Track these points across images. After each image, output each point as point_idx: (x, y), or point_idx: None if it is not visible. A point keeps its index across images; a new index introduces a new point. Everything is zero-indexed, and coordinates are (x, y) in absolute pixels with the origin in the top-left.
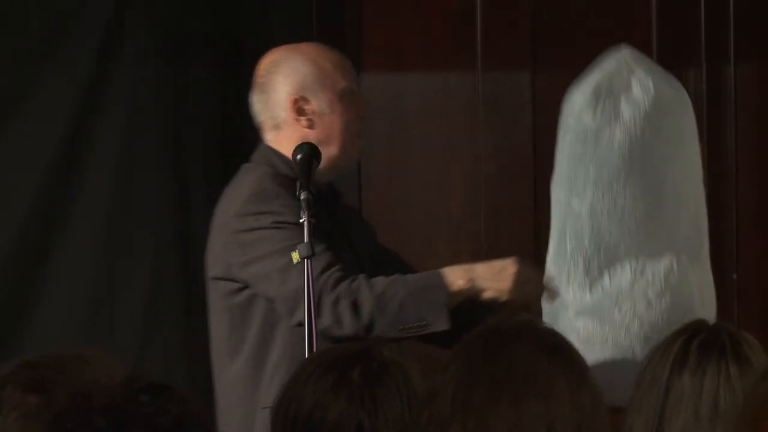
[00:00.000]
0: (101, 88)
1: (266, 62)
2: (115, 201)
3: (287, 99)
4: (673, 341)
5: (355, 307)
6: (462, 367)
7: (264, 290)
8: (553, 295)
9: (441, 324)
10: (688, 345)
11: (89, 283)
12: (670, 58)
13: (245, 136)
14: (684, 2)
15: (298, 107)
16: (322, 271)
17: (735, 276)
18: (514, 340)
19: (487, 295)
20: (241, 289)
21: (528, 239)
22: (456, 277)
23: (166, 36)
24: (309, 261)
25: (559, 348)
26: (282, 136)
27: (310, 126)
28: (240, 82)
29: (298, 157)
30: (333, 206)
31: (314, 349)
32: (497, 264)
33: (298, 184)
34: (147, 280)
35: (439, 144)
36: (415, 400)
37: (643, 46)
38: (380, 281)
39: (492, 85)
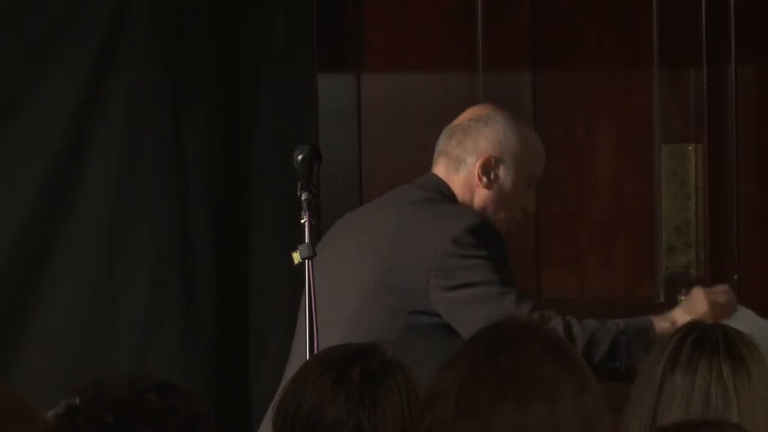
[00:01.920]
0: (101, 88)
1: (482, 111)
2: (115, 201)
3: (483, 153)
4: (669, 340)
5: (570, 333)
6: (465, 369)
7: (467, 314)
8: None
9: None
10: (682, 343)
11: (89, 283)
12: (671, 58)
13: (245, 137)
14: (685, 3)
15: (487, 166)
16: (533, 309)
17: (736, 277)
18: (518, 342)
19: None
20: (419, 312)
21: (528, 239)
22: (660, 321)
23: (167, 37)
24: (310, 261)
25: (562, 351)
26: (456, 177)
27: (486, 187)
28: (240, 83)
29: (299, 157)
30: None
31: (315, 351)
32: (690, 300)
33: (299, 184)
34: (147, 280)
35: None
36: (416, 399)
37: (643, 46)
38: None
39: (492, 86)
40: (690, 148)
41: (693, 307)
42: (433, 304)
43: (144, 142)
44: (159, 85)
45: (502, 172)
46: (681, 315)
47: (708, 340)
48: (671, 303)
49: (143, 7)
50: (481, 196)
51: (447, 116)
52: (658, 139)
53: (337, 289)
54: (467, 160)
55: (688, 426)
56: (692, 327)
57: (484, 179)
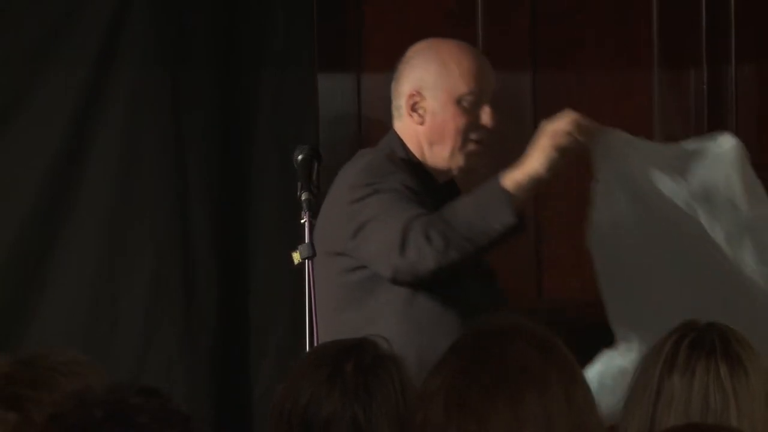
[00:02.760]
0: (101, 88)
1: (408, 52)
2: (115, 201)
3: (407, 92)
4: (664, 342)
5: (428, 237)
6: (454, 368)
7: (369, 249)
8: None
9: (507, 218)
10: (678, 346)
11: (89, 283)
12: (671, 58)
13: (245, 137)
14: (685, 3)
15: (413, 102)
16: (409, 219)
17: None
18: (505, 338)
19: (545, 165)
20: (356, 268)
21: (530, 241)
22: (510, 175)
23: (167, 37)
24: (310, 262)
25: (550, 345)
26: (400, 126)
27: (421, 123)
28: (240, 83)
29: (299, 157)
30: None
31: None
32: (536, 141)
33: (299, 184)
34: (147, 280)
35: None
36: (410, 391)
37: (643, 46)
38: (445, 207)
39: None
40: None
41: (539, 146)
42: (351, 253)
43: (144, 142)
44: (159, 85)
45: (428, 102)
46: (531, 160)
47: (704, 342)
48: None
49: (143, 7)
50: (423, 134)
51: None
52: (658, 139)
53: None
54: (400, 104)
55: (690, 429)
56: (688, 328)
57: (416, 116)
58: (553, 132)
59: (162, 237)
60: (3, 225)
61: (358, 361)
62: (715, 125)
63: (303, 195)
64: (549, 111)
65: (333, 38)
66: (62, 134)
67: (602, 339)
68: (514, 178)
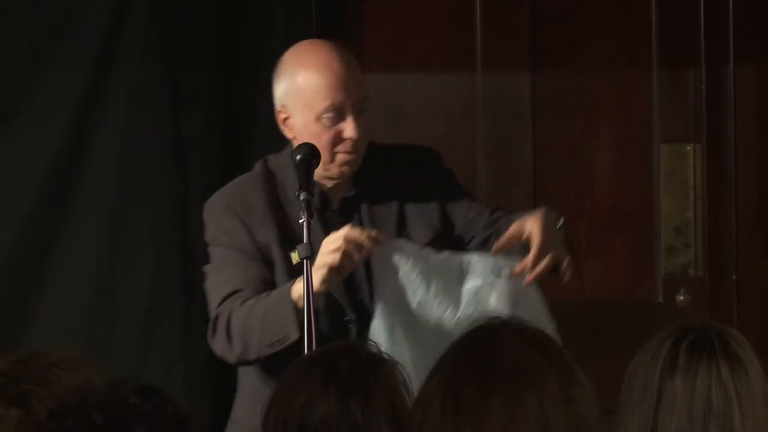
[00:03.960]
0: (101, 88)
1: (282, 58)
2: (115, 202)
3: (277, 108)
4: (662, 345)
5: (229, 336)
6: (450, 369)
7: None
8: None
9: (292, 334)
10: (677, 347)
11: (89, 283)
12: (670, 58)
13: (245, 137)
14: (684, 3)
15: (283, 118)
16: (221, 300)
17: (734, 277)
18: (499, 337)
19: (320, 282)
20: None
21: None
22: (296, 286)
23: (166, 37)
24: (308, 261)
25: (544, 343)
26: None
27: (293, 137)
28: (240, 83)
29: (297, 157)
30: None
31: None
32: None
33: (298, 184)
34: (147, 281)
35: (438, 145)
36: (406, 390)
37: (642, 46)
38: (246, 306)
39: (491, 86)
40: (689, 148)
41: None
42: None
43: (144, 142)
44: (159, 85)
45: (293, 119)
46: (315, 270)
47: (704, 342)
48: (670, 303)
49: (143, 7)
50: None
51: (447, 116)
52: (657, 139)
53: None
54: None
55: None
56: (685, 329)
57: (287, 131)
58: (326, 252)
59: (162, 237)
60: (3, 225)
61: (352, 360)
62: (714, 125)
63: (301, 195)
64: (548, 111)
65: (332, 38)
66: (62, 134)
67: (601, 339)
68: (299, 291)
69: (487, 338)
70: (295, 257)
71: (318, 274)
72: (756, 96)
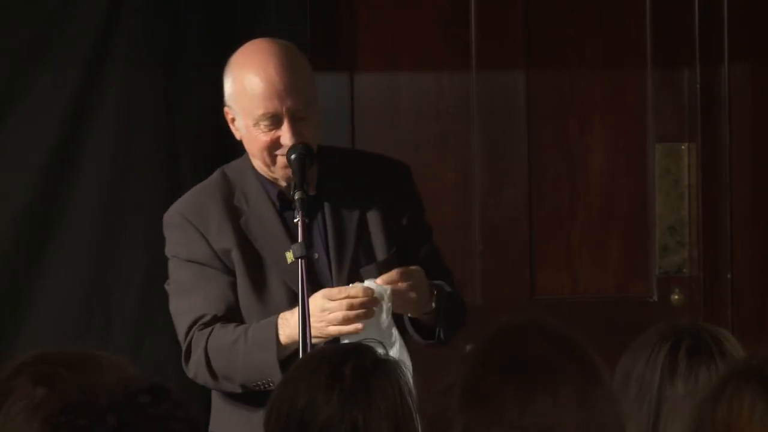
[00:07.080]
0: (95, 88)
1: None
2: (109, 201)
3: (225, 107)
4: (658, 349)
5: (210, 368)
6: (470, 363)
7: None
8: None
9: (275, 377)
10: (676, 353)
11: (84, 283)
12: (664, 58)
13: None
14: (677, 2)
15: (230, 119)
16: (189, 328)
17: (729, 275)
18: (520, 334)
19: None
20: None
21: (523, 239)
22: (284, 332)
23: (160, 36)
24: (303, 261)
25: (570, 343)
26: None
27: (240, 137)
28: None
29: (292, 157)
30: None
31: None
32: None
33: (292, 184)
34: (141, 279)
35: (432, 144)
36: (409, 395)
37: (636, 46)
38: (226, 341)
39: (485, 85)
40: (683, 147)
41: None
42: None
43: (137, 140)
44: (153, 85)
45: (237, 121)
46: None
47: (701, 346)
48: (664, 302)
49: (136, 7)
50: (245, 146)
51: (440, 116)
52: (651, 138)
53: None
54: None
55: None
56: (678, 333)
57: (235, 133)
58: (317, 318)
59: (155, 236)
60: None
61: (356, 364)
62: (708, 124)
63: (296, 194)
64: (542, 110)
65: (326, 38)
66: (55, 133)
67: (595, 337)
68: (288, 336)
69: (510, 335)
70: (289, 256)
71: (314, 331)
72: (750, 95)
